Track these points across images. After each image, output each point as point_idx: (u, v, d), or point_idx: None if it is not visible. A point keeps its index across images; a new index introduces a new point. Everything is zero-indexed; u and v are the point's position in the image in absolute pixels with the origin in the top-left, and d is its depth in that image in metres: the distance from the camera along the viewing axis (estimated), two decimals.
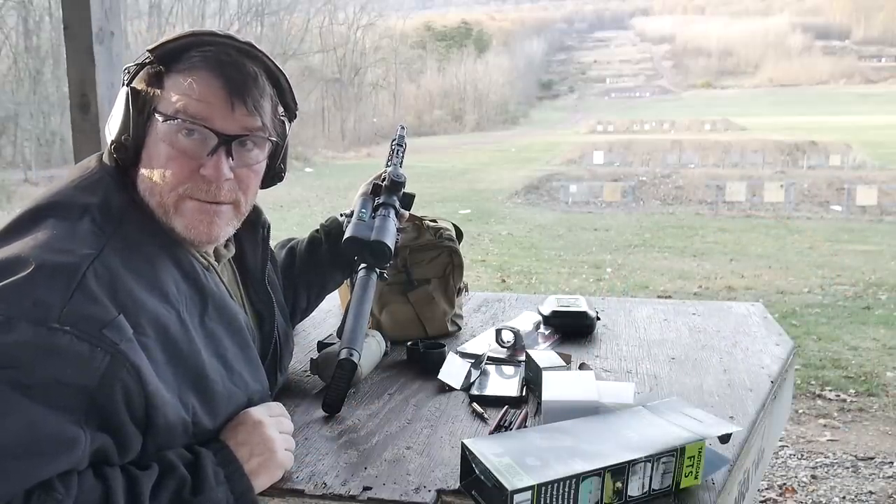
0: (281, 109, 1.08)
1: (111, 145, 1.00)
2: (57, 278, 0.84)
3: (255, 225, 1.17)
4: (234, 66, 0.99)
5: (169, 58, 0.99)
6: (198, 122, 0.96)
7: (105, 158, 1.02)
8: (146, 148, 0.99)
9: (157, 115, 0.97)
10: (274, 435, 0.97)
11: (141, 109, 0.98)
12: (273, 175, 1.12)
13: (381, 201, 1.35)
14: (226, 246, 1.14)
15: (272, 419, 1.00)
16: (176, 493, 0.86)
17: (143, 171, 0.99)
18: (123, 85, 1.01)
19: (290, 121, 1.11)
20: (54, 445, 0.78)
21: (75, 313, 0.82)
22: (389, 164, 1.45)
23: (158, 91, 0.99)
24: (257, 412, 0.99)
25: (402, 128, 1.55)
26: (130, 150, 0.99)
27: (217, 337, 1.00)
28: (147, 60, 1.00)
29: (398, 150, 1.48)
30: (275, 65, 1.06)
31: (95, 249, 0.89)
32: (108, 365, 0.81)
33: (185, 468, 0.88)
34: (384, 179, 1.40)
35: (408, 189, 1.42)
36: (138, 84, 1.00)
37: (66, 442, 0.79)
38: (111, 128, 1.01)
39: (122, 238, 0.93)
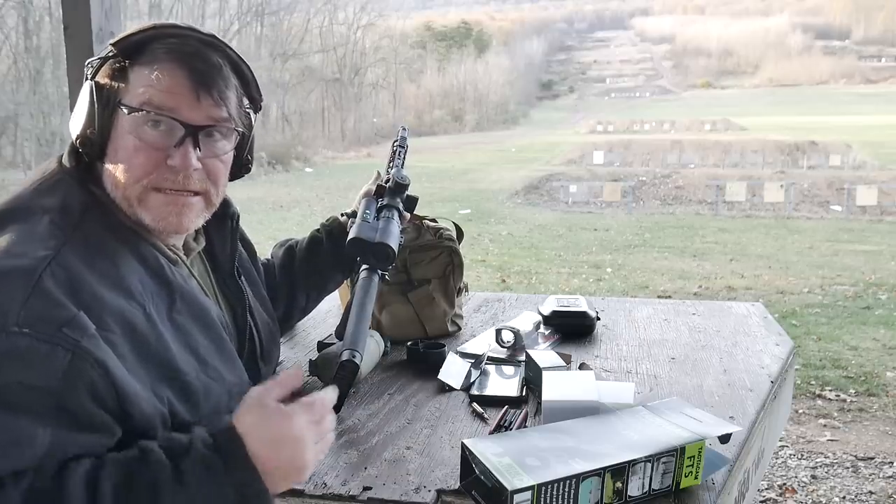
0: (246, 101, 1.08)
1: (76, 140, 1.00)
2: (12, 282, 0.84)
3: (223, 216, 1.17)
4: (198, 57, 0.98)
5: (132, 50, 0.99)
6: (164, 113, 0.96)
7: (65, 159, 1.02)
8: (112, 142, 0.99)
9: (122, 107, 0.97)
10: (310, 457, 0.88)
11: (105, 103, 0.98)
12: (241, 166, 1.12)
13: (384, 203, 1.35)
14: (195, 239, 1.14)
15: (311, 432, 0.88)
16: (153, 482, 0.81)
17: (108, 166, 0.99)
18: (86, 79, 1.01)
19: (256, 112, 1.11)
20: (7, 445, 0.77)
21: (33, 315, 0.82)
22: (392, 166, 1.45)
23: (123, 84, 0.98)
24: (299, 426, 0.87)
25: (404, 129, 1.54)
26: (96, 145, 0.99)
27: (187, 331, 0.99)
28: (110, 54, 1.00)
29: (400, 152, 1.48)
30: (239, 56, 1.05)
31: (53, 250, 0.89)
32: (69, 362, 0.81)
33: (166, 462, 0.82)
34: (388, 181, 1.40)
35: (409, 190, 1.42)
36: (102, 78, 0.99)
37: (19, 441, 0.78)
38: (75, 123, 1.00)
39: (82, 237, 0.93)
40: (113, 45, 1.00)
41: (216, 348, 1.03)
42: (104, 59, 1.00)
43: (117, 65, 0.99)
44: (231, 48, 1.05)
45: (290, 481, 0.87)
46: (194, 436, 0.84)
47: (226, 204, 1.16)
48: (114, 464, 0.82)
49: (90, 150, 0.99)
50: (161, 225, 0.99)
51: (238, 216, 1.21)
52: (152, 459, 0.82)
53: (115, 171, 0.98)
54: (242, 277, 1.21)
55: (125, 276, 0.94)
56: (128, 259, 0.96)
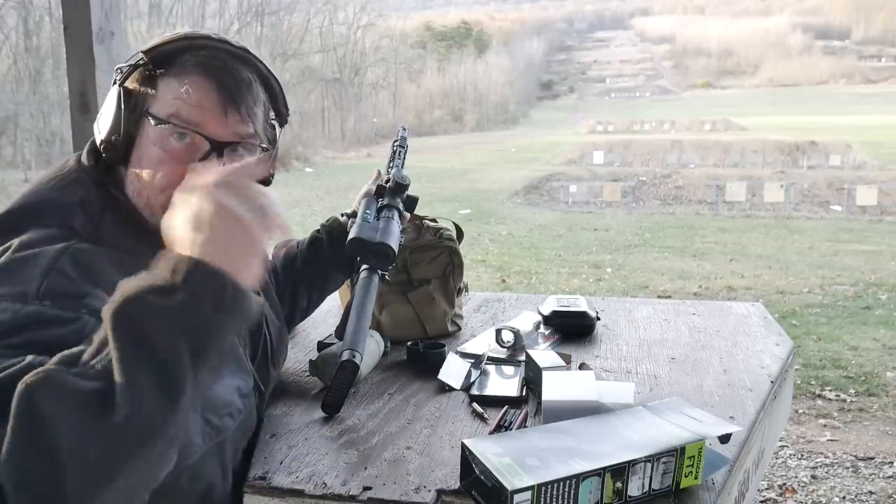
0: (272, 115, 1.08)
1: (100, 144, 1.00)
2: (32, 264, 0.85)
3: None
4: (228, 71, 0.98)
5: (163, 60, 0.99)
6: (190, 127, 0.96)
7: (83, 158, 1.02)
8: (136, 148, 0.99)
9: (149, 117, 0.97)
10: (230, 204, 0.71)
11: (133, 109, 0.98)
12: (262, 180, 1.12)
13: (385, 203, 1.35)
14: None
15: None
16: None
17: (133, 171, 0.99)
18: (115, 84, 1.01)
19: (282, 126, 1.12)
20: None
21: (53, 290, 0.82)
22: (392, 165, 1.45)
23: (151, 92, 0.98)
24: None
25: (404, 129, 1.54)
26: (120, 150, 0.99)
27: None
28: (140, 62, 1.00)
29: (400, 152, 1.48)
30: (268, 70, 1.06)
31: (72, 242, 0.90)
32: (93, 326, 0.76)
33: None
34: (388, 181, 1.40)
35: (409, 190, 1.42)
36: (131, 84, 1.00)
37: None
38: (101, 126, 1.01)
39: (99, 234, 0.94)
40: (144, 52, 1.00)
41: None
42: (134, 66, 1.00)
43: (147, 72, 0.99)
44: (262, 62, 1.05)
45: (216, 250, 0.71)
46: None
47: None
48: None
49: (114, 155, 1.00)
50: None
51: None
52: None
53: (139, 178, 0.98)
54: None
55: (141, 271, 0.94)
56: (143, 257, 0.96)
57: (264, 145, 1.05)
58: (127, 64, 1.02)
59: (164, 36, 1.01)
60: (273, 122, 1.08)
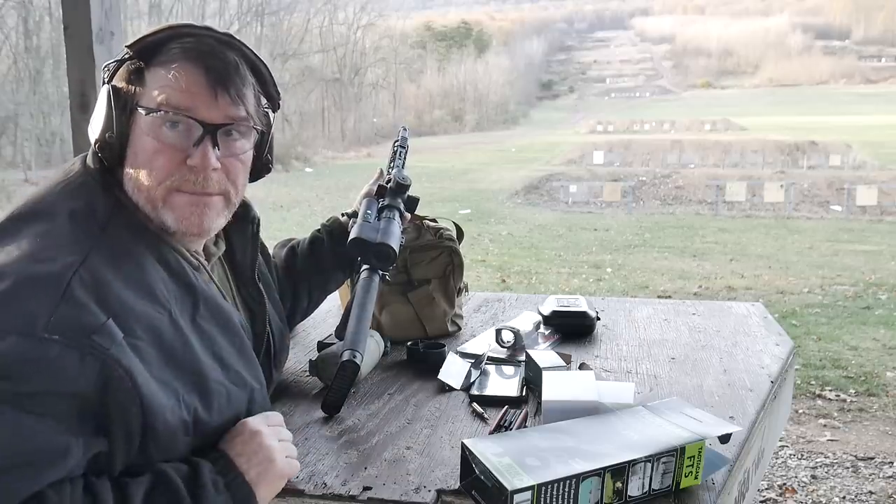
0: (264, 101, 1.07)
1: (95, 145, 0.99)
2: (42, 288, 0.83)
3: (244, 220, 1.16)
4: (214, 55, 0.98)
5: (148, 52, 0.98)
6: (181, 112, 0.95)
7: (89, 161, 1.01)
8: (131, 145, 0.98)
9: (140, 109, 0.96)
10: (272, 444, 0.95)
11: (123, 106, 0.97)
12: (260, 167, 1.11)
13: (385, 203, 1.35)
14: (215, 243, 1.13)
15: (270, 429, 0.98)
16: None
17: (129, 169, 0.98)
18: (104, 83, 1.00)
19: (274, 111, 1.10)
20: (45, 455, 0.77)
21: (63, 322, 0.81)
22: (392, 166, 1.45)
23: (140, 87, 0.98)
24: (255, 422, 0.97)
25: (405, 129, 1.54)
26: (115, 149, 0.98)
27: (211, 336, 0.99)
28: (126, 56, 0.99)
29: (401, 152, 1.48)
30: (255, 55, 1.05)
31: (80, 256, 0.88)
32: (99, 371, 0.80)
33: (181, 478, 0.87)
34: (389, 181, 1.39)
35: (409, 190, 1.42)
36: (119, 81, 0.99)
37: (57, 452, 0.78)
38: (94, 127, 1.00)
39: (107, 242, 0.92)
40: (128, 47, 0.99)
41: (238, 353, 1.03)
42: (120, 62, 1.00)
43: (133, 67, 0.99)
44: (247, 47, 1.04)
45: (273, 488, 0.95)
46: (200, 464, 0.90)
47: (246, 208, 1.16)
48: (137, 486, 0.84)
49: (109, 155, 0.99)
50: (184, 226, 0.98)
51: (259, 221, 1.20)
52: (171, 480, 0.87)
53: (136, 174, 0.97)
54: (261, 283, 1.21)
55: (150, 281, 0.93)
56: (152, 264, 0.95)
57: (258, 127, 1.04)
58: (113, 61, 1.01)
59: (147, 29, 1.01)
60: (265, 108, 1.08)
